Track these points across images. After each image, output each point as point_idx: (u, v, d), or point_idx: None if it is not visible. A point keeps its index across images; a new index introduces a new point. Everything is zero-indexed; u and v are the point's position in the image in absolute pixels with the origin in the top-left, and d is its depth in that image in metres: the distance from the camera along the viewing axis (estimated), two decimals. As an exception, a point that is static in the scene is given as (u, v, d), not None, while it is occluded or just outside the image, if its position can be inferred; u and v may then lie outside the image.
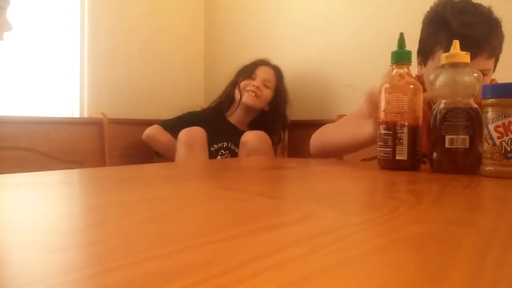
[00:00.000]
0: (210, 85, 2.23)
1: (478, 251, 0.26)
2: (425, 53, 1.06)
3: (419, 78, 1.06)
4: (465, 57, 0.71)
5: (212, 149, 1.69)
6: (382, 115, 0.76)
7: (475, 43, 0.93)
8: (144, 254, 0.23)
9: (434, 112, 0.72)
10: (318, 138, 1.11)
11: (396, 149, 0.73)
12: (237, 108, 1.83)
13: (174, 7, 2.16)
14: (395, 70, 0.76)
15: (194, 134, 1.62)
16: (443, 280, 0.20)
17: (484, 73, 0.94)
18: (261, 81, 1.80)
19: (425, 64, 1.07)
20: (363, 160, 1.23)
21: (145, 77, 2.03)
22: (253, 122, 1.87)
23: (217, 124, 1.78)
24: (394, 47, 0.77)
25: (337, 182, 0.64)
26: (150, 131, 1.78)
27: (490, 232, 0.31)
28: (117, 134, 1.84)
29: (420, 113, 0.75)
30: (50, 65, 1.77)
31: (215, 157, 1.70)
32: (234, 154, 1.72)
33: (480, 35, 0.97)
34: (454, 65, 0.71)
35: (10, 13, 1.14)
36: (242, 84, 1.80)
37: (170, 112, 1.99)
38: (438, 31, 1.02)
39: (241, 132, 1.69)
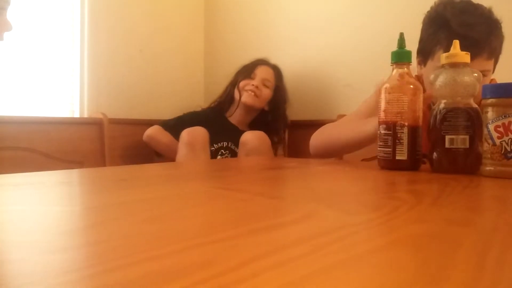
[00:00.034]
0: (210, 85, 2.23)
1: (478, 251, 0.26)
2: (425, 53, 1.06)
3: (419, 78, 1.07)
4: (465, 57, 0.71)
5: (212, 149, 1.69)
6: (382, 115, 0.76)
7: (475, 43, 0.93)
8: (144, 254, 0.23)
9: (434, 112, 0.72)
10: (318, 138, 1.12)
11: (396, 149, 0.73)
12: (236, 108, 1.83)
13: (174, 7, 2.16)
14: (395, 70, 0.76)
15: (196, 134, 1.61)
16: (443, 280, 0.20)
17: (483, 73, 0.94)
18: (260, 81, 1.80)
19: (424, 64, 1.07)
20: (363, 160, 1.23)
21: (145, 77, 2.03)
22: (253, 121, 1.87)
23: (217, 124, 1.78)
24: (394, 47, 0.78)
25: (337, 182, 0.64)
26: (151, 131, 1.78)
27: (490, 232, 0.31)
28: (117, 134, 1.84)
29: (420, 113, 0.75)
30: (50, 65, 1.77)
31: (215, 157, 1.70)
32: (234, 154, 1.72)
33: (480, 35, 0.97)
34: (454, 65, 0.71)
35: (10, 13, 1.14)
36: (242, 84, 1.80)
37: (170, 112, 1.99)
38: (438, 31, 1.02)
39: (241, 132, 1.69)
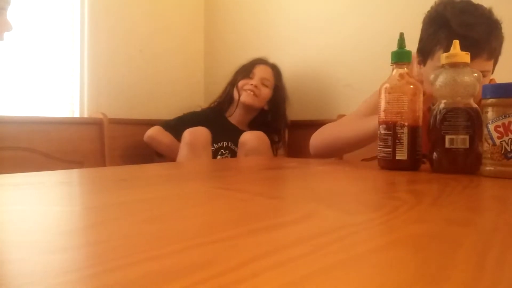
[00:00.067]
0: (210, 85, 2.23)
1: (478, 251, 0.26)
2: (425, 52, 1.06)
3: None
4: (465, 57, 0.71)
5: (212, 149, 1.69)
6: (382, 115, 0.76)
7: (475, 43, 0.93)
8: (144, 254, 0.23)
9: (434, 112, 0.72)
10: (319, 138, 1.12)
11: (396, 149, 0.73)
12: (236, 107, 1.83)
13: (174, 7, 2.16)
14: (395, 70, 0.76)
15: (198, 134, 1.61)
16: (443, 280, 0.20)
17: (483, 74, 0.94)
18: (259, 80, 1.80)
19: (424, 64, 1.07)
20: (363, 160, 1.23)
21: (145, 77, 2.03)
22: (253, 121, 1.87)
23: (217, 123, 1.78)
24: (394, 47, 0.78)
25: (337, 182, 0.64)
26: (152, 132, 1.78)
27: (490, 232, 0.31)
28: (117, 134, 1.85)
29: (420, 113, 0.75)
30: (50, 65, 1.77)
31: (215, 157, 1.70)
32: (234, 154, 1.72)
33: (480, 35, 0.97)
34: (454, 65, 0.71)
35: (10, 14, 1.14)
36: (240, 83, 1.80)
37: (170, 112, 1.99)
38: (438, 31, 1.02)
39: (241, 132, 1.69)
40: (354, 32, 1.78)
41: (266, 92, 1.81)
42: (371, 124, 0.90)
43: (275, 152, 1.80)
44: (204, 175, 0.76)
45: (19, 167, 1.54)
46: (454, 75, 0.70)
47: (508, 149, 0.63)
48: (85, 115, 1.85)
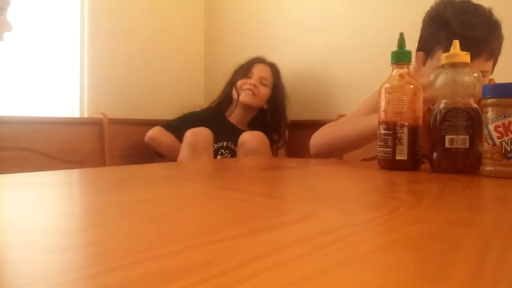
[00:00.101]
0: (210, 85, 2.23)
1: (478, 251, 0.26)
2: (425, 52, 1.06)
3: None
4: (465, 57, 0.71)
5: (212, 148, 1.69)
6: (382, 115, 0.76)
7: (474, 43, 0.93)
8: (144, 254, 0.23)
9: (434, 112, 0.72)
10: (319, 137, 1.11)
11: (396, 149, 0.73)
12: (235, 107, 1.83)
13: (174, 7, 2.16)
14: (395, 70, 0.76)
15: (200, 135, 1.61)
16: (443, 280, 0.20)
17: (482, 74, 0.94)
18: (257, 79, 1.79)
19: (424, 64, 1.07)
20: (363, 160, 1.23)
21: (145, 77, 2.03)
22: (253, 120, 1.87)
23: (217, 123, 1.78)
24: (394, 47, 0.78)
25: (337, 182, 0.64)
26: (153, 132, 1.77)
27: (490, 232, 0.31)
28: (117, 134, 1.85)
29: (420, 113, 0.75)
30: (50, 65, 1.77)
31: (215, 157, 1.70)
32: (234, 154, 1.72)
33: (480, 36, 0.97)
34: (454, 65, 0.71)
35: (10, 14, 1.14)
36: (239, 83, 1.80)
37: (170, 112, 1.99)
38: (438, 30, 1.02)
39: (241, 131, 1.69)
40: (354, 32, 1.78)
41: (265, 91, 1.81)
42: (371, 122, 0.90)
43: (275, 152, 1.80)
44: (204, 175, 0.76)
45: (19, 167, 1.54)
46: (454, 75, 0.70)
47: (508, 149, 0.63)
48: (85, 115, 1.85)
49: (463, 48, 0.72)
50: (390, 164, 0.74)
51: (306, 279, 0.20)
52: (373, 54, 1.68)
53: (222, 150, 1.73)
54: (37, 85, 1.73)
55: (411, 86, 0.74)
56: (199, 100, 2.19)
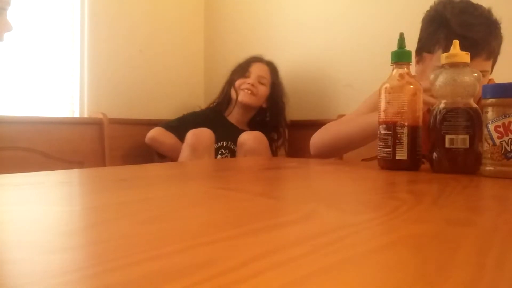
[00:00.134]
0: (210, 85, 2.23)
1: (478, 251, 0.26)
2: (424, 52, 1.06)
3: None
4: (465, 57, 0.71)
5: (213, 149, 1.69)
6: (382, 115, 0.76)
7: (474, 43, 0.93)
8: (144, 254, 0.23)
9: (434, 112, 0.72)
10: (319, 138, 1.11)
11: (396, 149, 0.73)
12: (234, 107, 1.83)
13: (174, 7, 2.16)
14: (395, 70, 0.76)
15: (201, 136, 1.61)
16: (443, 280, 0.20)
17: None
18: (255, 78, 1.79)
19: (423, 64, 1.07)
20: (363, 160, 1.23)
21: (145, 77, 2.03)
22: (252, 120, 1.87)
23: (217, 123, 1.78)
24: (394, 47, 0.78)
25: (337, 182, 0.64)
26: (154, 133, 1.77)
27: (490, 232, 0.31)
28: (117, 134, 1.84)
29: (420, 113, 0.75)
30: (50, 65, 1.77)
31: (215, 157, 1.70)
32: (234, 154, 1.72)
33: (480, 35, 0.97)
34: (454, 65, 0.71)
35: (10, 14, 1.14)
36: (237, 83, 1.80)
37: (170, 112, 1.99)
38: (437, 30, 1.02)
39: (241, 131, 1.69)
40: (354, 32, 1.78)
41: (263, 90, 1.81)
42: (371, 120, 0.90)
43: (275, 152, 1.80)
44: (204, 175, 0.76)
45: (19, 167, 1.54)
46: (454, 75, 0.70)
47: (508, 149, 0.63)
48: (85, 115, 1.85)
49: (462, 48, 0.72)
50: (390, 164, 0.74)
51: (306, 279, 0.20)
52: (373, 54, 1.68)
53: (222, 150, 1.73)
54: (37, 85, 1.73)
55: (411, 86, 0.74)
56: (199, 100, 2.19)
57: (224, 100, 1.88)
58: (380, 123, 0.76)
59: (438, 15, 1.03)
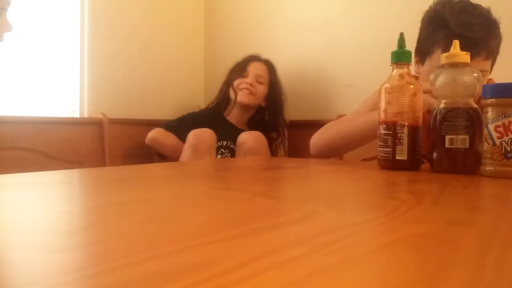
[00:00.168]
0: (210, 85, 2.23)
1: (478, 251, 0.26)
2: (423, 52, 1.06)
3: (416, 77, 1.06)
4: (465, 57, 0.71)
5: (215, 150, 1.69)
6: (382, 115, 0.76)
7: (473, 43, 0.93)
8: (144, 254, 0.23)
9: (434, 112, 0.72)
10: (319, 137, 1.11)
11: (396, 149, 0.73)
12: (233, 107, 1.83)
13: (174, 7, 2.16)
14: (395, 70, 0.76)
15: (203, 137, 1.60)
16: (443, 280, 0.20)
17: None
18: (253, 78, 1.79)
19: (422, 64, 1.07)
20: (363, 160, 1.23)
21: (145, 77, 2.03)
22: (252, 119, 1.87)
23: (217, 123, 1.78)
24: (394, 47, 0.78)
25: (337, 182, 0.64)
26: (154, 134, 1.76)
27: (490, 232, 0.31)
28: (117, 134, 1.84)
29: (420, 113, 0.75)
30: (50, 65, 1.77)
31: (215, 157, 1.70)
32: (234, 153, 1.72)
33: (479, 35, 0.96)
34: (454, 65, 0.71)
35: (10, 14, 1.14)
36: (236, 82, 1.80)
37: (170, 112, 1.99)
38: (436, 30, 1.02)
39: (240, 131, 1.69)
40: (354, 32, 1.78)
41: (261, 89, 1.81)
42: (371, 118, 0.90)
43: (274, 151, 1.80)
44: (204, 175, 0.76)
45: (19, 167, 1.54)
46: (454, 75, 0.70)
47: (508, 149, 0.63)
48: (85, 115, 1.85)
49: (461, 48, 0.72)
50: (390, 164, 0.74)
51: (306, 279, 0.20)
52: (373, 54, 1.68)
53: (222, 150, 1.73)
54: (37, 85, 1.73)
55: (411, 86, 0.74)
56: (199, 100, 2.19)
57: (223, 100, 1.88)
58: (380, 123, 0.76)
59: (437, 15, 1.03)
